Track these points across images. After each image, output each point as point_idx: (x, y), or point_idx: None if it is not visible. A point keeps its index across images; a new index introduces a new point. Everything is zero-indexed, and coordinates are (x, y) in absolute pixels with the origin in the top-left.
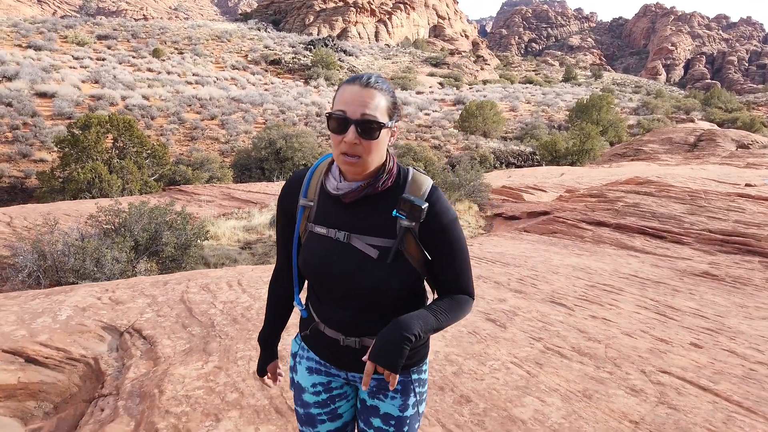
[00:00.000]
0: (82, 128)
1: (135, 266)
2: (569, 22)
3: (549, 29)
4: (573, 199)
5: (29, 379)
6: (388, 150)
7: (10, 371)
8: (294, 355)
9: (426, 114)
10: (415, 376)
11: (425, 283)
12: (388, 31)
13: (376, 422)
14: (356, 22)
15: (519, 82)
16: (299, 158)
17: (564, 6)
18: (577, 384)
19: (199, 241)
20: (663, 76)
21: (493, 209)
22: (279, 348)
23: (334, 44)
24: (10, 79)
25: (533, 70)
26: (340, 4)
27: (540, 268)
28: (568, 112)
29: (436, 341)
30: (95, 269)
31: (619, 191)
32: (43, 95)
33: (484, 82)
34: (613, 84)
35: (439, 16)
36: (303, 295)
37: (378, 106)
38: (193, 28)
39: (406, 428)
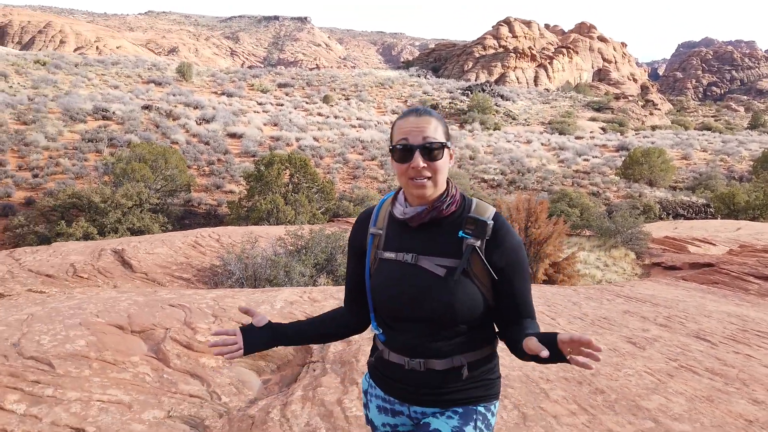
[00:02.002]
0: (266, 165)
1: (316, 281)
2: (759, 64)
3: (733, 71)
4: (745, 254)
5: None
6: (448, 178)
7: None
8: (365, 393)
9: (585, 160)
10: (481, 409)
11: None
12: (548, 75)
13: None
14: (515, 67)
15: (694, 129)
16: None
17: (753, 47)
18: (702, 392)
19: None
20: None
21: (652, 258)
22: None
23: (491, 89)
24: (208, 121)
25: (712, 116)
26: (500, 50)
27: (691, 311)
28: (752, 162)
29: None
30: (285, 279)
31: None
32: (233, 135)
33: (653, 127)
34: None
35: (604, 60)
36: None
37: (436, 129)
38: (359, 76)
39: None
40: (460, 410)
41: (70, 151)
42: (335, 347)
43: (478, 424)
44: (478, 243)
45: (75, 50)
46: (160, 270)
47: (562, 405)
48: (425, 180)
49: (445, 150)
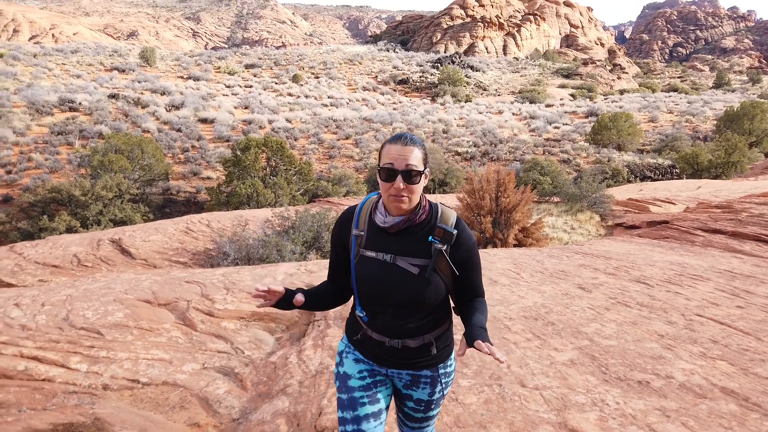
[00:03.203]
0: (243, 150)
1: (306, 257)
2: (722, 22)
3: (698, 32)
4: (698, 210)
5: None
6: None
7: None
8: (340, 353)
9: (555, 127)
10: (441, 371)
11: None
12: (516, 43)
13: (410, 404)
14: (484, 36)
15: (661, 91)
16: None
17: (715, 5)
18: (630, 319)
19: None
20: None
21: (615, 219)
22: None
23: (461, 61)
24: (177, 107)
25: (678, 77)
26: (468, 20)
27: (638, 262)
28: (716, 122)
29: (535, 297)
30: (278, 257)
31: (750, 203)
32: (204, 121)
33: (621, 91)
34: None
35: (571, 25)
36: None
37: (417, 157)
38: (327, 53)
39: (433, 405)
40: (429, 380)
41: (40, 145)
42: (335, 309)
43: (442, 380)
44: (445, 247)
45: (30, 39)
46: (158, 256)
47: (520, 335)
48: (404, 197)
49: (422, 175)
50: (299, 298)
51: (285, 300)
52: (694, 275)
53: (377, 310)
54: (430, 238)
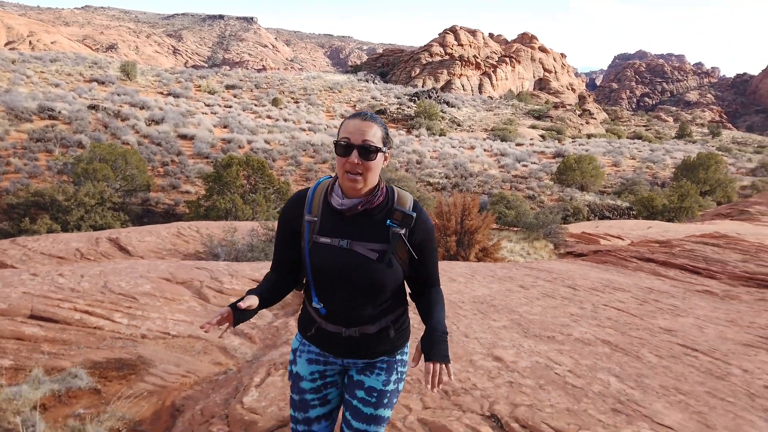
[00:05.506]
0: (225, 167)
1: None
2: (687, 77)
3: (664, 84)
4: (640, 244)
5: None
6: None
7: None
8: (294, 351)
9: (524, 165)
10: (398, 357)
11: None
12: (492, 83)
13: (360, 393)
14: (461, 74)
15: (626, 137)
16: None
17: (682, 60)
18: (552, 305)
19: None
20: None
21: (567, 248)
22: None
23: (438, 96)
24: (157, 122)
25: (643, 126)
26: (446, 57)
27: (574, 276)
28: (674, 170)
29: (484, 290)
30: (266, 260)
31: (688, 242)
32: (184, 137)
33: (589, 136)
34: (733, 143)
35: (545, 70)
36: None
37: (375, 134)
38: (308, 80)
39: (385, 400)
40: (384, 366)
41: (19, 150)
42: None
43: (398, 368)
44: (403, 231)
45: (6, 45)
46: (153, 254)
47: (469, 312)
48: (358, 176)
49: (380, 153)
50: (252, 301)
51: (240, 315)
52: (616, 287)
53: (335, 299)
54: (388, 221)
